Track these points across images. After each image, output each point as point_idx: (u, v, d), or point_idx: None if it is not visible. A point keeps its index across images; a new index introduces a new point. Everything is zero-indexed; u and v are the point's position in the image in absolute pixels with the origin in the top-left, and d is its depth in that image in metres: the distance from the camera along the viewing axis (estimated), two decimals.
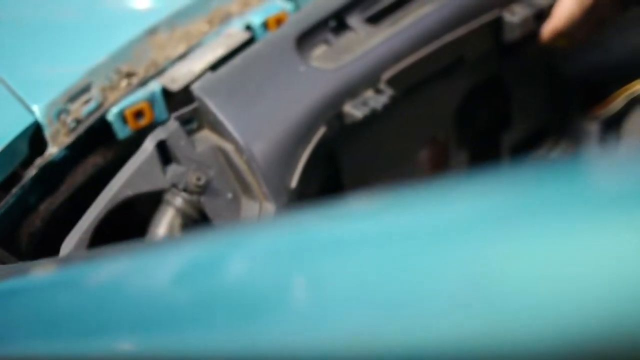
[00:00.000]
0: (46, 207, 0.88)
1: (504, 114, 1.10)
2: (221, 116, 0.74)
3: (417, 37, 0.87)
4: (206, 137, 0.78)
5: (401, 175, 0.98)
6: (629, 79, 1.06)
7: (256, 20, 0.98)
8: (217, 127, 0.76)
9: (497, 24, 0.94)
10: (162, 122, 0.92)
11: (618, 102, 1.06)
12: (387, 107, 0.82)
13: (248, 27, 0.98)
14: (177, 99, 0.95)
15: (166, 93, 0.91)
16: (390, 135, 0.94)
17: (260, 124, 0.75)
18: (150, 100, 0.89)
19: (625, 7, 1.02)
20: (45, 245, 0.85)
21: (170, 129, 0.75)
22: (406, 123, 0.96)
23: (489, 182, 0.32)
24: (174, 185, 0.73)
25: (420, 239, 0.32)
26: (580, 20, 0.92)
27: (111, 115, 0.88)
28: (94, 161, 0.92)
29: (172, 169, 0.74)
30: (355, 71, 0.82)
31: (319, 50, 0.86)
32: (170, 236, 0.75)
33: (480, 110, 1.15)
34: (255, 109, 0.76)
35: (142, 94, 0.89)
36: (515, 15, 0.93)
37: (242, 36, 0.97)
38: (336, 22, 0.90)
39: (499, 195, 0.32)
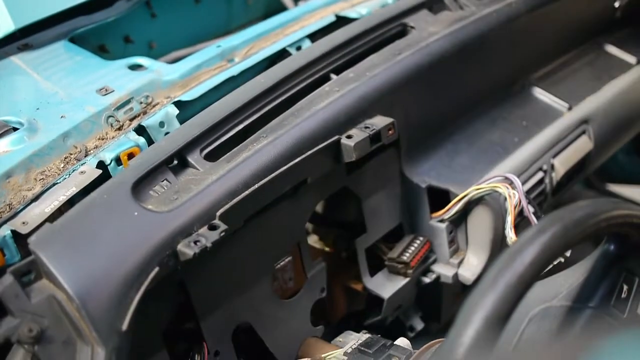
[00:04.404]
0: None
1: (357, 221, 1.18)
2: (52, 268, 0.79)
3: (251, 172, 0.94)
4: (44, 286, 0.81)
5: (257, 293, 1.03)
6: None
7: (108, 156, 1.04)
8: (51, 278, 0.80)
9: (336, 147, 1.03)
10: (13, 264, 0.97)
11: (458, 205, 1.17)
12: (222, 241, 0.87)
13: (101, 164, 1.05)
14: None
15: (18, 235, 0.96)
16: (240, 258, 0.99)
17: (90, 272, 0.79)
18: (1, 245, 0.93)
19: None
20: None
21: (4, 284, 0.78)
22: (256, 245, 1.01)
23: None
24: (7, 339, 0.76)
25: None
26: None
27: None
28: None
29: (6, 322, 0.77)
30: (189, 211, 0.88)
31: (158, 192, 0.92)
32: None
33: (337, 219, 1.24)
34: (87, 257, 0.81)
35: None
36: (351, 139, 1.03)
37: (93, 173, 1.02)
38: (177, 161, 0.97)
39: None
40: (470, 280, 1.20)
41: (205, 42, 1.53)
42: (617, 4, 1.62)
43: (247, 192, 0.92)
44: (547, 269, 0.75)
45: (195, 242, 0.85)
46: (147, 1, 1.50)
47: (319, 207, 1.30)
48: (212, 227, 0.88)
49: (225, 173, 0.93)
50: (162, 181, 0.93)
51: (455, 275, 1.21)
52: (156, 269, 0.83)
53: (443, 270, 1.21)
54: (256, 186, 0.93)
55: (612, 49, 1.63)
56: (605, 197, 2.17)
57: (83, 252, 0.81)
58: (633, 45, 1.64)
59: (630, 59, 1.61)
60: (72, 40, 1.33)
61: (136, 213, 0.86)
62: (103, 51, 1.44)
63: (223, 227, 0.88)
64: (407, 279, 1.17)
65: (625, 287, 0.85)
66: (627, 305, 0.85)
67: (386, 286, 1.17)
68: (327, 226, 1.30)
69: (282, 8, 1.60)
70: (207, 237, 0.86)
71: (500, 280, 0.70)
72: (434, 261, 1.21)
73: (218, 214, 0.89)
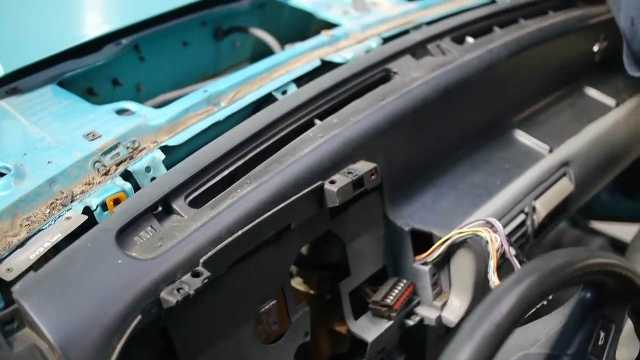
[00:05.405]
0: None
1: (341, 265, 1.19)
2: (35, 317, 0.79)
3: (235, 219, 0.96)
4: (26, 335, 0.82)
5: (240, 338, 1.04)
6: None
7: (94, 202, 1.05)
8: (34, 327, 0.81)
9: (320, 193, 1.05)
10: None
11: (441, 248, 1.18)
12: (205, 288, 0.88)
13: (87, 209, 1.06)
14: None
15: (2, 282, 0.96)
16: (224, 304, 1.00)
17: (73, 322, 0.80)
18: None
19: None
20: None
21: None
22: (239, 290, 1.02)
23: None
24: None
25: None
26: None
27: None
28: None
29: None
30: (173, 258, 0.89)
31: (143, 238, 0.93)
32: None
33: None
34: (70, 307, 0.81)
35: None
36: (334, 184, 1.04)
37: (79, 219, 1.03)
38: (162, 207, 0.99)
39: None
40: (453, 323, 1.21)
41: (192, 85, 1.56)
42: (596, 48, 1.67)
43: (230, 239, 0.93)
44: (524, 318, 0.76)
45: (178, 290, 0.86)
46: (136, 45, 1.53)
47: (302, 250, 1.31)
48: (196, 274, 0.88)
49: (209, 220, 0.94)
50: (147, 228, 0.95)
51: (439, 318, 1.21)
52: (139, 317, 0.84)
53: (426, 312, 1.22)
54: (240, 233, 0.94)
55: (591, 92, 1.67)
56: (589, 234, 2.20)
57: (66, 301, 0.82)
58: (612, 88, 1.68)
59: (610, 101, 1.65)
60: (61, 84, 1.35)
61: (120, 261, 0.87)
62: (91, 94, 1.46)
63: (206, 274, 0.89)
64: (391, 322, 1.18)
65: (602, 334, 0.86)
66: (604, 352, 0.86)
67: (370, 329, 1.18)
68: (311, 268, 1.31)
69: (269, 51, 1.63)
70: (190, 285, 0.87)
71: (477, 331, 0.71)
72: (418, 303, 1.22)
73: (201, 261, 0.90)
